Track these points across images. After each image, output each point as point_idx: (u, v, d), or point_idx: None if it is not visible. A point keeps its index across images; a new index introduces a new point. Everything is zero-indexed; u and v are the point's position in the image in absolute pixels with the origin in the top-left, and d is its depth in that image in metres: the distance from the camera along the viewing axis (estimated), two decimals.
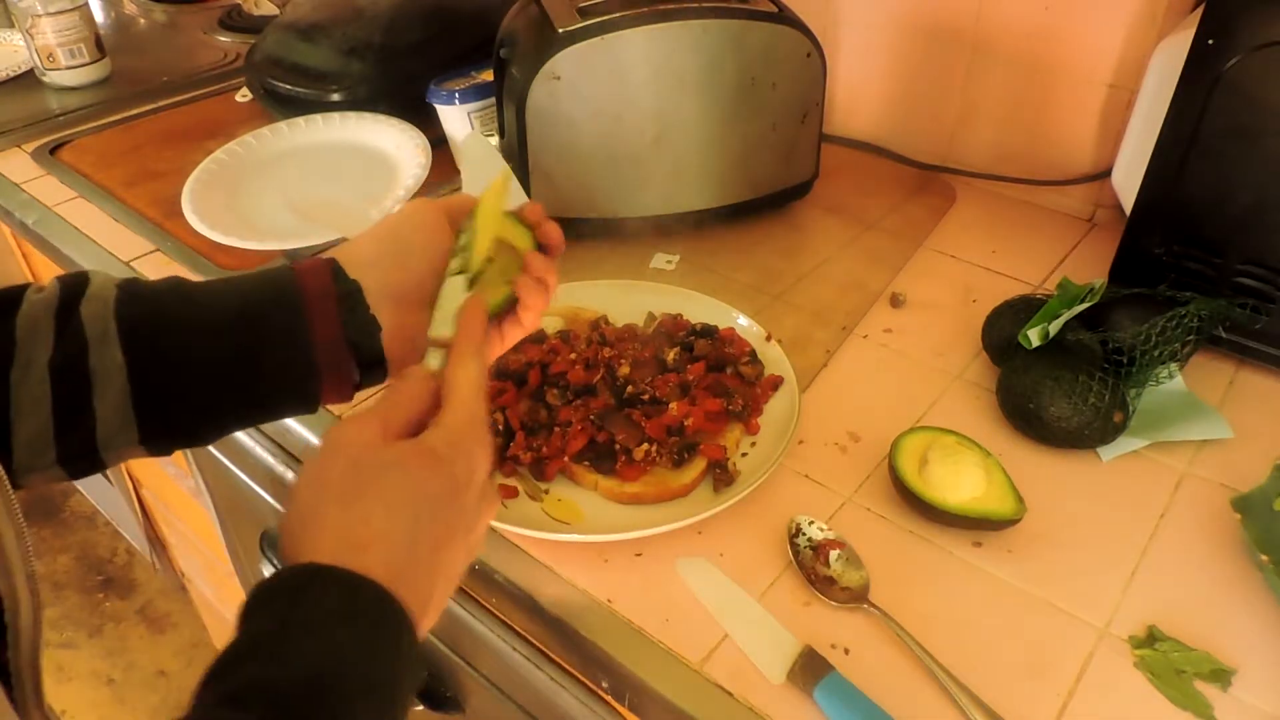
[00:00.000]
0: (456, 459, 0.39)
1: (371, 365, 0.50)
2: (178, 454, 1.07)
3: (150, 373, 0.45)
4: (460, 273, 0.49)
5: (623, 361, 0.69)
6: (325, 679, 0.31)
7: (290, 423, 0.72)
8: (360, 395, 0.52)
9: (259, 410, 0.49)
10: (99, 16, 1.48)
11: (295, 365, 0.47)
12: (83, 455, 0.45)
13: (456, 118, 0.98)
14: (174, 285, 0.48)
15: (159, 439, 0.46)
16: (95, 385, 0.44)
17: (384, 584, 0.34)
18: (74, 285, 0.46)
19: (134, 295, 0.46)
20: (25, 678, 0.38)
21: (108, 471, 1.57)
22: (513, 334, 0.53)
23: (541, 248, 0.52)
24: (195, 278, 0.50)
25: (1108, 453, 0.66)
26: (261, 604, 0.33)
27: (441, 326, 0.47)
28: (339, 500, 0.36)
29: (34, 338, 0.44)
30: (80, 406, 0.44)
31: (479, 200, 0.51)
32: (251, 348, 0.46)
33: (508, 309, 0.52)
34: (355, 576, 0.33)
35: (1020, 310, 0.72)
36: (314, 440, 0.70)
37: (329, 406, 0.58)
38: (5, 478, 0.38)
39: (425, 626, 0.36)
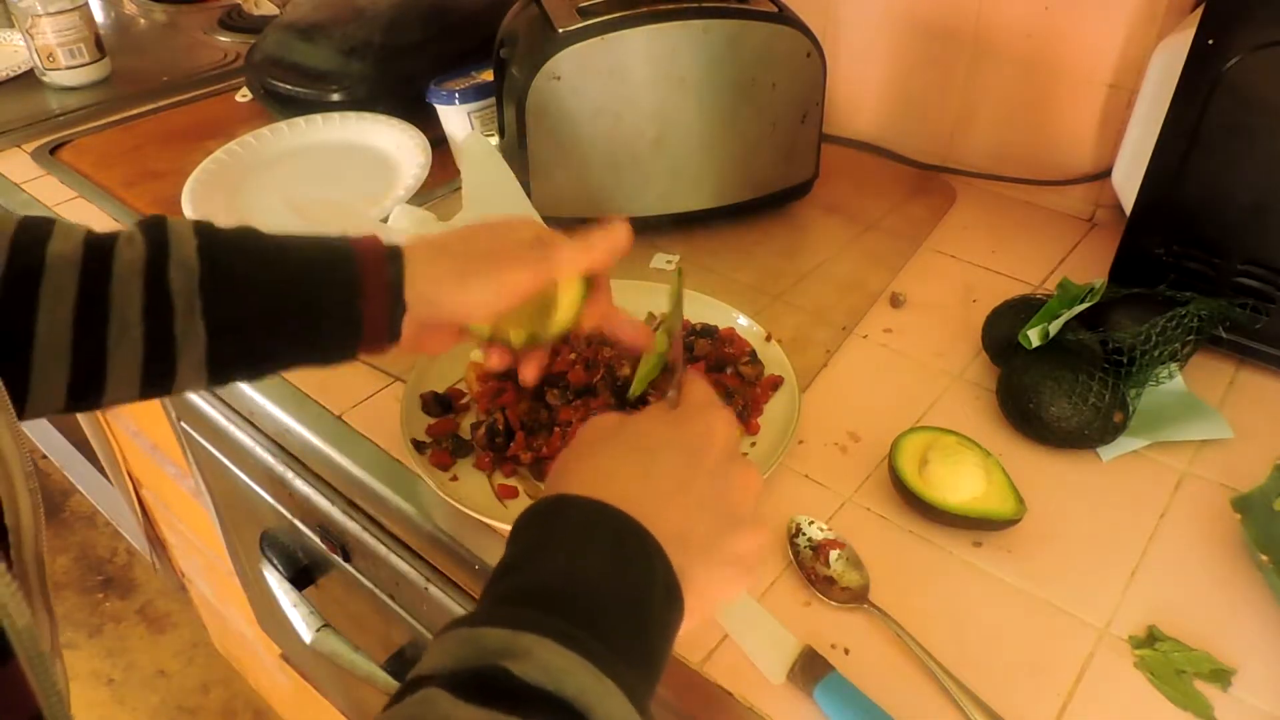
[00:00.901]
0: (689, 419, 0.44)
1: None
2: (177, 454, 1.08)
3: (226, 340, 0.51)
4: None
5: (623, 361, 0.69)
6: (575, 582, 0.36)
7: (290, 422, 0.72)
8: None
9: (304, 364, 0.55)
10: (99, 16, 1.48)
11: (346, 342, 0.54)
12: (159, 394, 0.52)
13: (456, 118, 0.98)
14: (246, 258, 0.52)
15: (219, 383, 0.53)
16: (180, 351, 0.50)
17: (620, 508, 0.39)
18: (158, 244, 0.50)
19: (216, 269, 0.51)
20: (30, 572, 0.39)
21: (107, 472, 1.57)
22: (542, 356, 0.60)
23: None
24: None
25: (1108, 453, 0.66)
26: (523, 527, 0.39)
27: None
28: (586, 453, 0.43)
29: (127, 300, 0.49)
30: (166, 369, 0.50)
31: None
32: (312, 326, 0.53)
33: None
34: (595, 502, 0.39)
35: (1020, 310, 0.72)
36: (314, 440, 0.70)
37: None
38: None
39: (688, 556, 0.39)
